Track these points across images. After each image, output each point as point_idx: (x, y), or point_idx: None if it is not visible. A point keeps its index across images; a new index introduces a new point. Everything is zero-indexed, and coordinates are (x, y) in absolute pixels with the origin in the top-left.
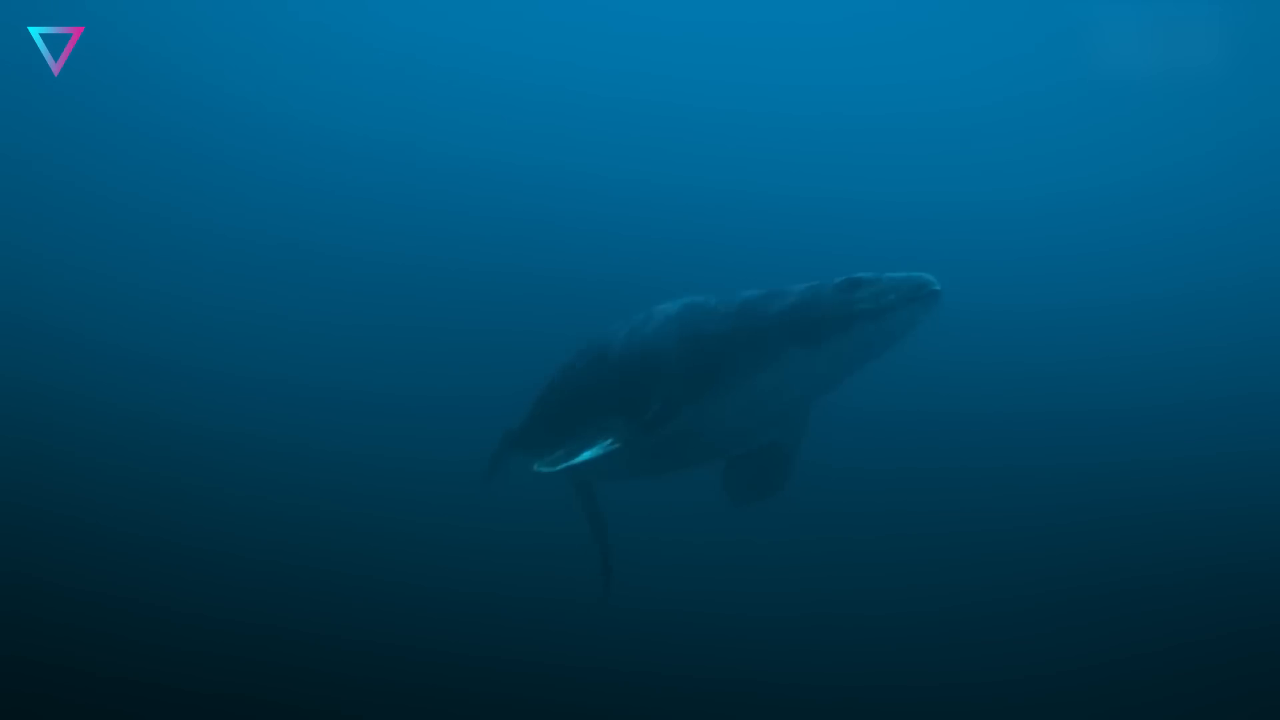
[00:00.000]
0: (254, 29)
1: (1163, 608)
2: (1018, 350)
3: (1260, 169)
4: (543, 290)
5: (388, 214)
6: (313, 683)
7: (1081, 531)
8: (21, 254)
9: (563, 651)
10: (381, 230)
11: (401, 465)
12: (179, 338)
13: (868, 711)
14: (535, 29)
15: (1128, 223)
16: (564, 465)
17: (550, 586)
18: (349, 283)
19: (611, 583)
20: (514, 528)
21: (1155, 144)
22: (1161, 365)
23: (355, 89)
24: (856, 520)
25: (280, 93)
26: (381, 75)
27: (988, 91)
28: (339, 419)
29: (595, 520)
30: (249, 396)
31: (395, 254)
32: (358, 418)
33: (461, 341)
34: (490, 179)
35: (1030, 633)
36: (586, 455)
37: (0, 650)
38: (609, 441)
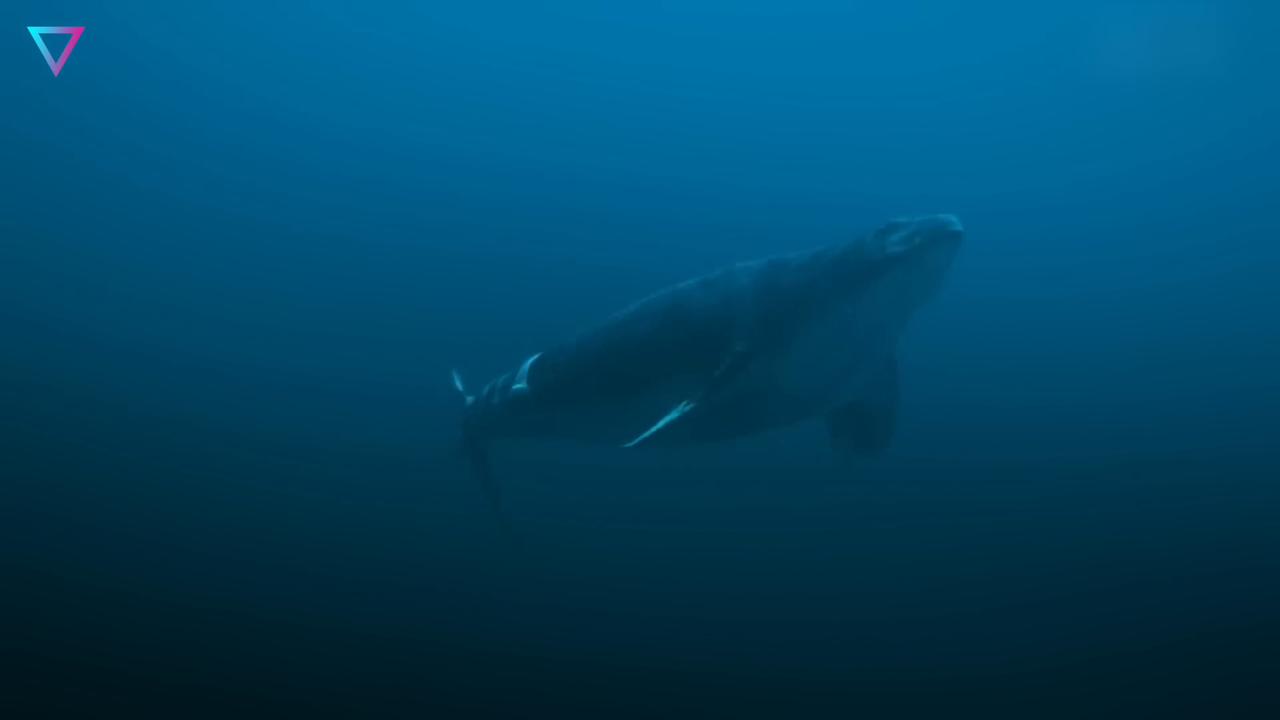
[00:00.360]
0: (255, 25)
1: (1165, 602)
2: (1015, 344)
3: (1256, 165)
4: (543, 282)
5: (388, 205)
6: (313, 676)
7: (1083, 526)
8: (24, 247)
9: (562, 644)
10: (382, 221)
11: (402, 456)
12: (181, 329)
13: (868, 704)
14: (537, 23)
15: (1125, 218)
16: (647, 434)
17: (550, 579)
18: (349, 274)
19: (514, 538)
20: (516, 520)
21: (1152, 140)
22: (1161, 360)
23: (356, 83)
24: (857, 513)
25: (281, 86)
26: (382, 68)
27: (984, 86)
28: (343, 410)
29: (488, 484)
30: (252, 388)
31: (397, 245)
32: (361, 409)
33: (464, 333)
34: (491, 172)
35: (1032, 626)
36: (667, 419)
37: (5, 643)
38: (685, 404)
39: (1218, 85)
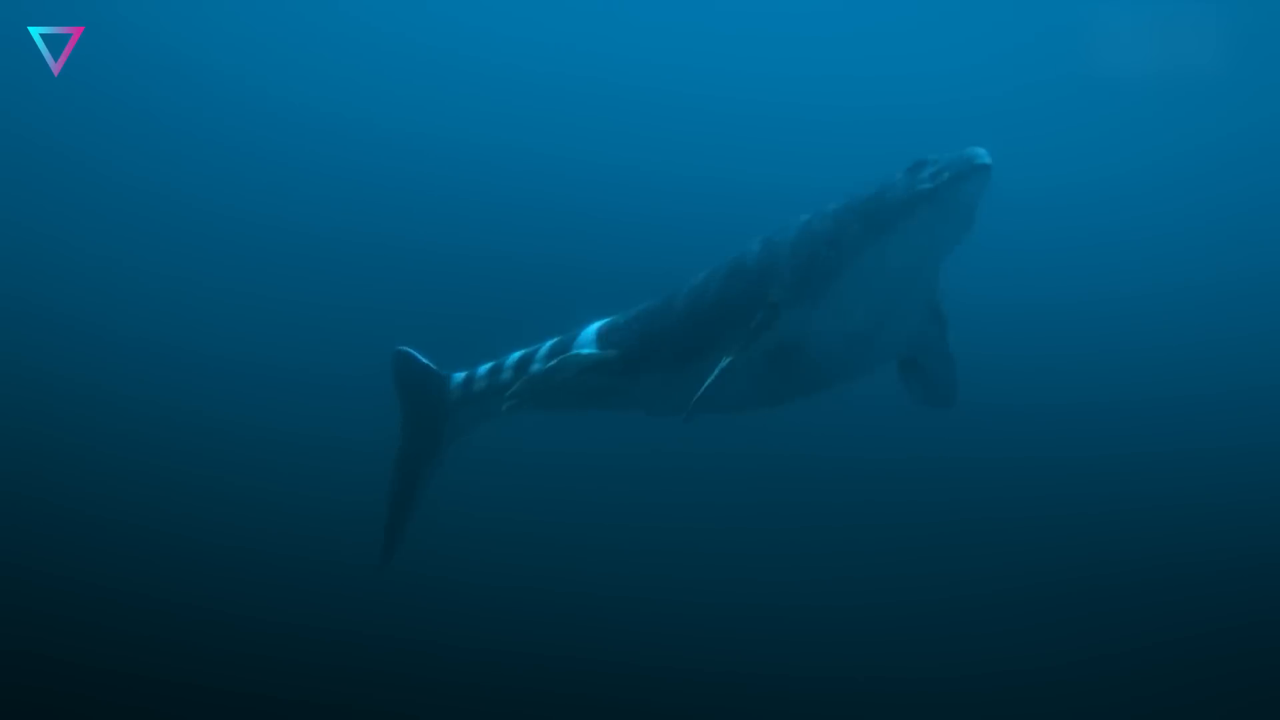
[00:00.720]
0: (256, 24)
1: (1162, 601)
2: (1014, 344)
3: (1257, 165)
4: (547, 279)
5: (392, 201)
6: (316, 676)
7: (1081, 524)
8: (24, 247)
9: (561, 642)
10: (386, 217)
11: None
12: (184, 327)
13: (863, 702)
14: (544, 19)
15: (1126, 218)
16: (696, 398)
17: (551, 577)
18: (353, 270)
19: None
20: (517, 519)
21: (1153, 140)
22: (1159, 360)
23: (360, 78)
24: (853, 510)
25: (282, 83)
26: (388, 63)
27: (985, 86)
28: (344, 407)
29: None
30: (254, 385)
31: (402, 241)
32: (363, 406)
33: (467, 330)
34: (495, 167)
35: (1029, 624)
36: (709, 380)
37: (2, 644)
38: (724, 360)
39: (1218, 85)
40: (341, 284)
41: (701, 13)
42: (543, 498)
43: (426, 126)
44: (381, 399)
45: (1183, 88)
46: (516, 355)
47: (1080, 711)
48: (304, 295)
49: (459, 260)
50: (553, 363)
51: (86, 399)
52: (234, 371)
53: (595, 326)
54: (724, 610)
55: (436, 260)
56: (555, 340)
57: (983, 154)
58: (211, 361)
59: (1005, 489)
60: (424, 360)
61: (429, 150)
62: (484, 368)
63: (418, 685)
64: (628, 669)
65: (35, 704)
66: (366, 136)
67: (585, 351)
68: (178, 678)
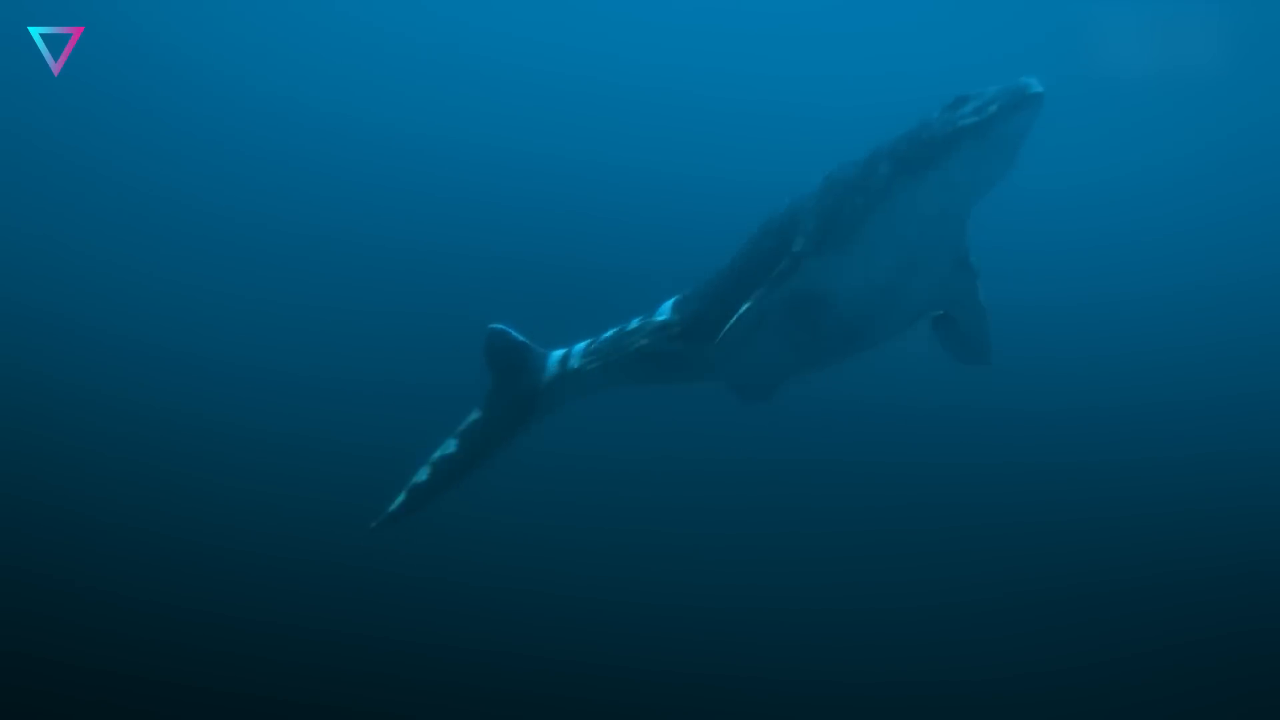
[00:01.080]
0: (257, 24)
1: (1164, 606)
2: (1018, 346)
3: (1259, 167)
4: (550, 281)
5: (392, 203)
6: (316, 678)
7: (1083, 529)
8: (23, 248)
9: (563, 646)
10: (387, 219)
11: (402, 456)
12: (182, 329)
13: (866, 707)
14: (545, 18)
15: (1127, 220)
16: (720, 337)
17: (551, 581)
18: (355, 273)
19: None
20: (518, 521)
21: (1153, 141)
22: (1162, 363)
23: (360, 79)
24: (856, 515)
25: (283, 83)
26: (388, 63)
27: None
28: (345, 411)
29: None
30: (253, 388)
31: (403, 243)
32: (364, 409)
33: (468, 332)
34: (497, 168)
35: (1033, 629)
36: (729, 324)
37: (2, 645)
38: (744, 306)
39: (1221, 86)
40: (341, 286)
41: (703, 14)
42: (543, 500)
43: (427, 127)
44: (382, 401)
45: (1189, 88)
46: (610, 332)
47: (1085, 716)
48: (303, 298)
49: (459, 262)
50: (631, 327)
51: (85, 401)
52: (234, 374)
53: (674, 298)
54: (726, 615)
55: (436, 262)
56: (644, 315)
57: (1035, 83)
58: (211, 364)
59: (1009, 493)
60: (520, 337)
61: (430, 151)
62: (580, 345)
63: (416, 687)
64: (628, 673)
65: (35, 706)
66: (367, 138)
67: (657, 319)
68: (176, 679)
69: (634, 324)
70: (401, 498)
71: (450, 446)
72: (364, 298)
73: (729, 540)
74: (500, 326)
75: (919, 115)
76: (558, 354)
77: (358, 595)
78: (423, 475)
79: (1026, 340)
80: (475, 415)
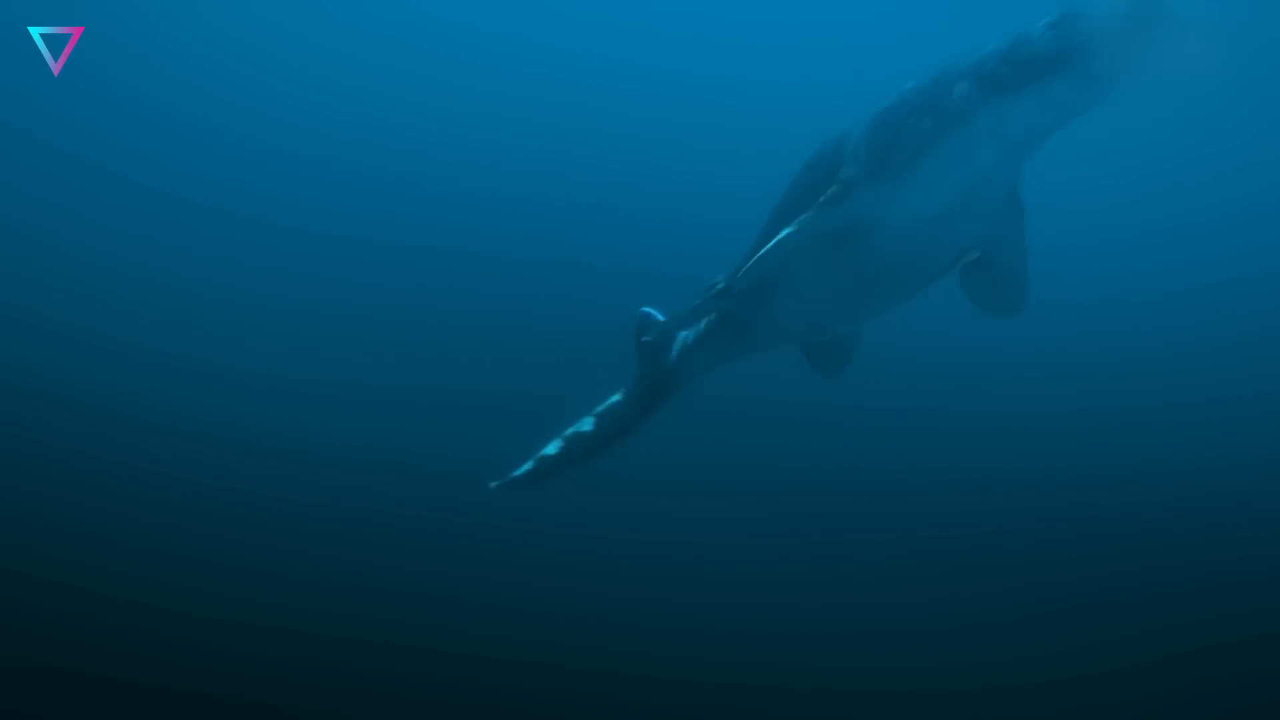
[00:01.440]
0: (258, 24)
1: (1173, 612)
2: (1023, 350)
3: (1263, 169)
4: (552, 285)
5: (397, 207)
6: (318, 684)
7: (1092, 534)
8: (22, 249)
9: (564, 652)
10: (390, 223)
11: (406, 461)
12: (182, 332)
13: (876, 716)
14: (540, 19)
15: (1129, 222)
16: (750, 263)
17: (553, 587)
18: (356, 277)
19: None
20: (518, 526)
21: (1155, 142)
22: (1170, 366)
23: (361, 81)
24: (861, 522)
25: (284, 85)
26: (389, 66)
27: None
28: (346, 415)
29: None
30: (253, 391)
31: (405, 247)
32: (364, 413)
33: (468, 336)
34: (498, 171)
35: (1038, 638)
36: (767, 247)
37: (2, 650)
38: (785, 230)
39: (1226, 88)
40: (341, 290)
41: (704, 16)
42: (546, 508)
43: (427, 131)
44: (381, 404)
45: (1191, 91)
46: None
47: None
48: (302, 302)
49: (459, 265)
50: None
51: (83, 405)
52: (231, 378)
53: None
54: (732, 623)
55: (434, 266)
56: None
57: (1169, 3)
58: (208, 367)
59: (1018, 499)
60: (662, 318)
61: (429, 155)
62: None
63: (416, 692)
64: (626, 679)
65: (35, 712)
66: (368, 141)
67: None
68: (174, 685)
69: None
70: (528, 466)
71: (586, 425)
72: (363, 302)
73: (735, 549)
74: (648, 310)
75: (1017, 31)
76: (682, 335)
77: (360, 600)
78: (553, 449)
79: (1034, 342)
80: (615, 397)
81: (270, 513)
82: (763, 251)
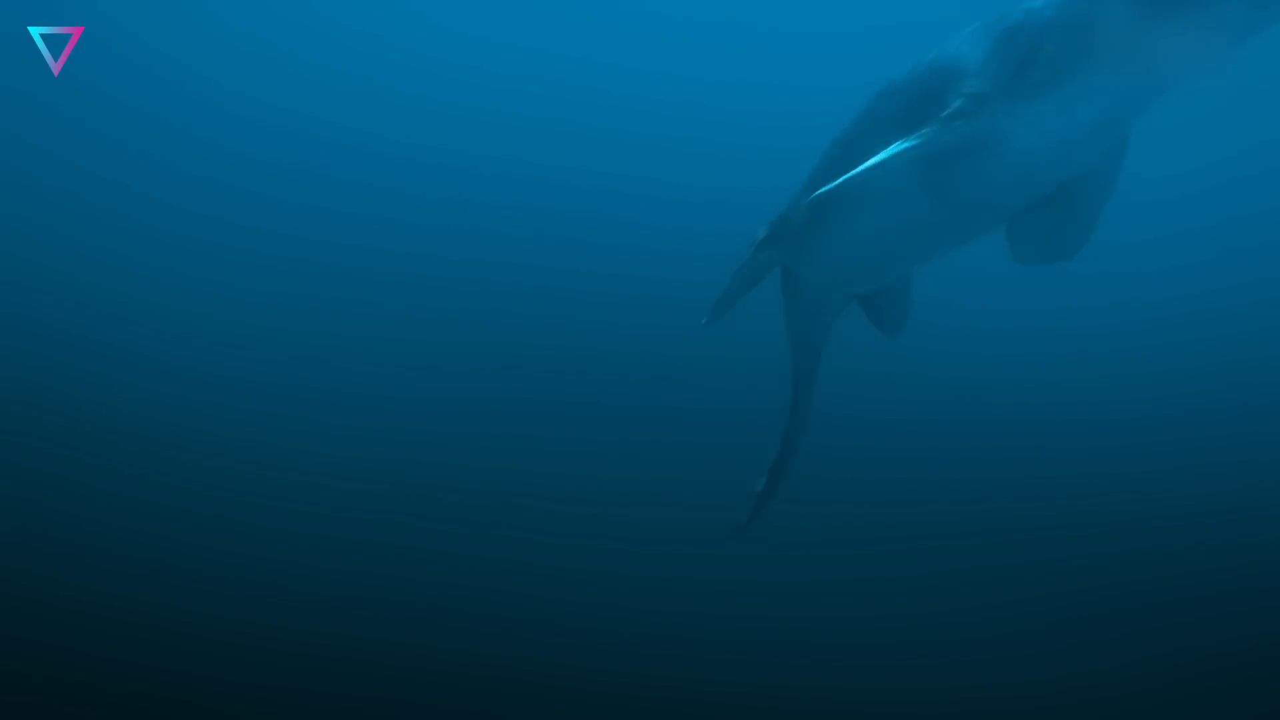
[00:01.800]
0: (258, 25)
1: (1185, 620)
2: (1027, 357)
3: (1265, 171)
4: (553, 293)
5: (399, 213)
6: (319, 693)
7: (1101, 543)
8: (21, 252)
9: (566, 662)
10: (391, 230)
11: (406, 470)
12: (180, 339)
13: None
14: (535, 24)
15: (1130, 224)
16: (848, 175)
17: (554, 597)
18: (356, 284)
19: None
20: (520, 536)
21: (1159, 145)
22: (1175, 373)
23: (360, 86)
24: (865, 534)
25: (285, 88)
26: (387, 71)
27: None
28: (346, 423)
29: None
30: (254, 399)
31: (405, 255)
32: (365, 421)
33: (469, 343)
34: (499, 177)
35: (1046, 647)
36: (875, 160)
37: (0, 660)
38: (901, 143)
39: (1231, 89)
40: (340, 297)
41: (698, 23)
42: (549, 518)
43: (432, 138)
44: (381, 412)
45: (1198, 92)
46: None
47: None
48: (301, 309)
49: (460, 272)
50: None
51: (83, 412)
52: (230, 385)
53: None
54: (737, 634)
55: (437, 272)
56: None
57: None
58: (206, 375)
59: (1024, 508)
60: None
61: (432, 162)
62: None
63: (417, 701)
64: (637, 690)
65: None
66: (369, 146)
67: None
68: (177, 695)
69: None
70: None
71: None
72: (365, 309)
73: (739, 560)
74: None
75: None
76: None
77: (360, 609)
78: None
79: (1037, 349)
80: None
81: (270, 521)
82: (865, 166)
